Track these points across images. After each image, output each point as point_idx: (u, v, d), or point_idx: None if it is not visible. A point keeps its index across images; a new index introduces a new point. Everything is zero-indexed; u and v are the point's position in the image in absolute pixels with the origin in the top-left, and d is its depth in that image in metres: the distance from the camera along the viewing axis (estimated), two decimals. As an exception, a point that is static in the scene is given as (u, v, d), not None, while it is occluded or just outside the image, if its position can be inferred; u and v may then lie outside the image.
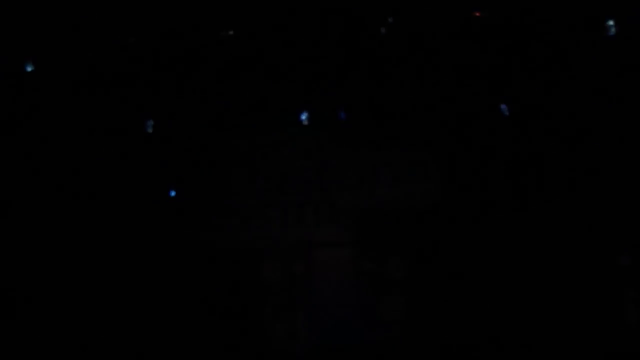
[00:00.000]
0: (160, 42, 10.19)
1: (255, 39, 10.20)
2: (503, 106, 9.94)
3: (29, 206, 10.14)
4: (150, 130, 10.27)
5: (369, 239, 10.22)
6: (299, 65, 10.13)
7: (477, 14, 9.82)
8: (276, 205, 10.30)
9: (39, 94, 10.11)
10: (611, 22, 9.40)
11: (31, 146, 10.22)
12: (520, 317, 9.75)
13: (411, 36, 10.10)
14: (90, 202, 10.26)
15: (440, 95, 10.03)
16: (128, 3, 9.93)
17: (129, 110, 10.25)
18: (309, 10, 9.91)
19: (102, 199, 10.28)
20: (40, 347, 9.85)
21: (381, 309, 10.13)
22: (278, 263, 10.26)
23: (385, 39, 10.13)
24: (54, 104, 10.22)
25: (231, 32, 10.24)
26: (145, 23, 10.10)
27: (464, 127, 10.02)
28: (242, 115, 10.30)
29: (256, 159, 10.41)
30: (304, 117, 10.18)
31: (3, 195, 10.16)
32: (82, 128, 10.26)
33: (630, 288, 9.73)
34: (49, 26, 10.00)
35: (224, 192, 10.37)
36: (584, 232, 9.76)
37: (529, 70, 9.85)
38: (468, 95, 10.00)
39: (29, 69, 9.93)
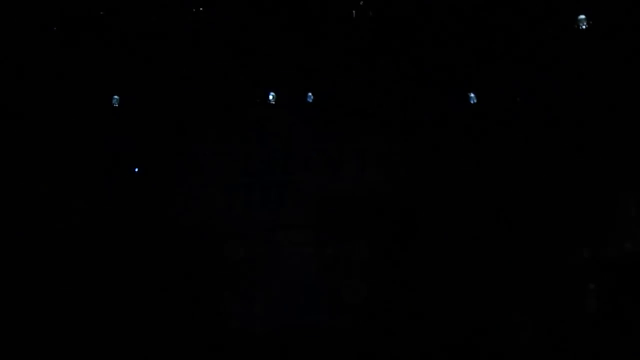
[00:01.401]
0: (131, 16, 10.04)
1: (227, 16, 10.05)
2: (471, 94, 9.87)
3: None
4: (116, 105, 10.17)
5: (332, 222, 10.20)
6: (268, 45, 10.00)
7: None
8: (240, 185, 10.25)
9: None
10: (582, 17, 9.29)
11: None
12: (481, 304, 9.80)
13: (383, 20, 9.97)
14: (55, 176, 10.20)
15: (410, 82, 9.95)
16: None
17: (96, 85, 10.13)
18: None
19: (67, 173, 10.22)
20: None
21: (343, 292, 10.14)
22: (240, 244, 10.23)
23: (357, 22, 10.00)
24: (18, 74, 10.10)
25: (201, 9, 10.09)
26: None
27: (431, 115, 9.97)
28: (209, 94, 10.19)
29: (221, 139, 10.34)
30: (271, 97, 10.09)
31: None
32: (48, 101, 10.15)
33: (590, 281, 9.76)
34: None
35: (188, 171, 10.31)
36: (547, 221, 9.79)
37: (498, 59, 9.74)
38: (437, 83, 9.91)
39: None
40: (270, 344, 10.03)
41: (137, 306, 10.04)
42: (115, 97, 10.09)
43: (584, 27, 9.15)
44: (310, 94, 10.09)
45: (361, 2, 9.85)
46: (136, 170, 10.32)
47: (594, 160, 9.75)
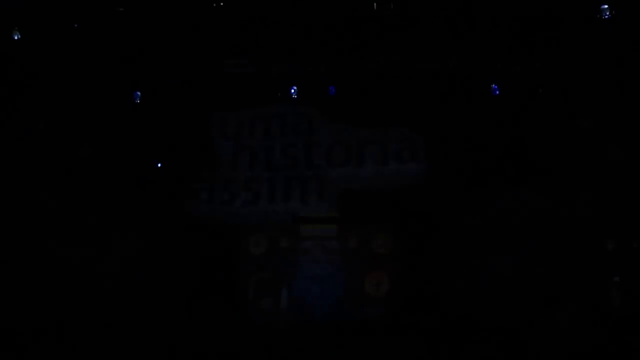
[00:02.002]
0: (150, 10, 10.04)
1: (247, 10, 10.05)
2: (494, 86, 9.84)
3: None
4: (138, 101, 10.19)
5: (355, 216, 10.19)
6: (290, 39, 9.99)
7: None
8: (263, 179, 10.24)
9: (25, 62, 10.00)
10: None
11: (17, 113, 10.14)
12: (506, 295, 9.77)
13: (406, 12, 9.95)
14: (77, 171, 10.20)
15: (431, 74, 9.92)
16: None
17: (117, 81, 10.14)
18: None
19: (89, 168, 10.22)
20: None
21: (366, 286, 10.14)
22: (264, 238, 10.24)
23: (379, 15, 9.98)
24: (39, 71, 10.11)
25: (222, 4, 10.09)
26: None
27: (453, 108, 9.93)
28: (231, 89, 10.18)
29: (244, 133, 10.33)
30: (293, 91, 10.08)
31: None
32: (70, 96, 10.16)
33: (615, 273, 9.73)
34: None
35: (212, 166, 10.30)
36: (571, 214, 9.75)
37: (523, 51, 9.71)
38: (458, 75, 9.88)
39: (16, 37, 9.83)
40: (294, 339, 10.02)
41: (159, 302, 10.00)
42: (137, 92, 10.12)
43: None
44: (332, 87, 10.09)
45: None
46: (159, 165, 10.30)
47: (619, 151, 9.71)
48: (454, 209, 9.99)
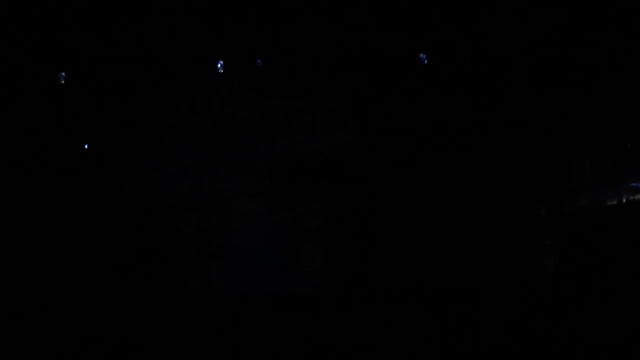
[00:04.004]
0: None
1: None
2: (422, 55, 9.78)
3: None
4: (62, 82, 9.99)
5: (285, 190, 10.07)
6: (215, 12, 9.84)
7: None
8: (192, 155, 10.08)
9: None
10: None
11: None
12: (439, 265, 9.76)
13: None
14: (6, 154, 9.99)
15: (359, 44, 9.83)
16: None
17: (42, 60, 9.93)
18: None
19: (17, 150, 10.01)
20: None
21: (299, 260, 10.02)
22: (193, 214, 10.07)
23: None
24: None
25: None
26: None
27: (382, 79, 9.87)
28: (156, 64, 10.01)
29: (169, 109, 10.16)
30: (219, 65, 9.94)
31: None
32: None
33: (547, 238, 9.73)
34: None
35: (138, 143, 10.12)
36: (502, 183, 9.74)
37: (450, 19, 9.68)
38: (386, 45, 9.81)
39: None
40: (228, 316, 9.88)
41: (89, 282, 9.83)
42: (62, 73, 9.92)
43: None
44: (259, 60, 9.96)
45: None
46: (86, 146, 10.11)
47: (547, 119, 9.72)
48: (387, 182, 9.92)
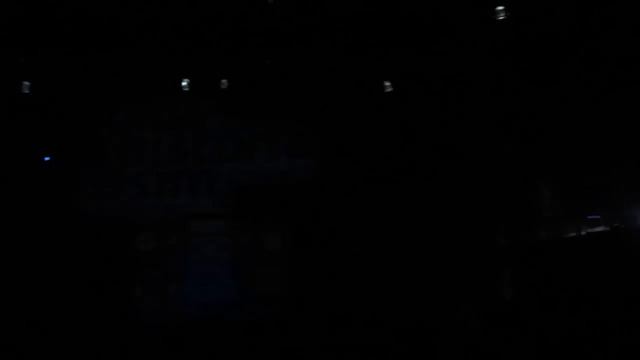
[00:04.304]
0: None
1: (140, 2, 9.87)
2: (387, 83, 9.83)
3: None
4: (26, 91, 9.88)
5: (246, 211, 10.00)
6: (181, 31, 9.82)
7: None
8: (151, 173, 10.00)
9: None
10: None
11: None
12: (400, 288, 9.68)
13: (299, 4, 9.88)
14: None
15: (324, 68, 9.85)
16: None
17: (4, 69, 9.83)
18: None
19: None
20: None
21: (257, 282, 9.93)
22: (151, 234, 9.96)
23: (272, 8, 9.89)
24: None
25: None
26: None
27: (346, 102, 9.88)
28: (120, 80, 9.94)
29: (133, 126, 10.09)
30: (184, 83, 9.91)
31: None
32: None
33: (506, 267, 9.73)
34: None
35: (97, 159, 10.02)
36: (461, 212, 9.74)
37: (411, 45, 9.72)
38: (351, 69, 9.84)
39: None
40: (184, 338, 9.73)
41: (42, 302, 9.65)
42: (26, 82, 9.81)
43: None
44: (223, 80, 9.94)
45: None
46: (46, 159, 9.98)
47: (508, 149, 9.78)
48: (345, 205, 9.89)
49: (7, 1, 9.51)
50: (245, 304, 9.89)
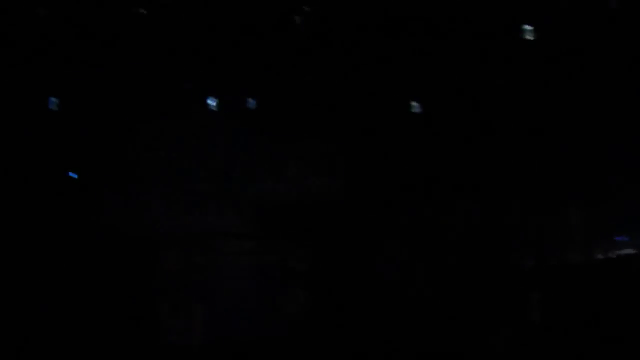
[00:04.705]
0: (71, 15, 9.82)
1: (166, 18, 9.91)
2: (415, 103, 9.83)
3: None
4: (54, 108, 9.89)
5: (272, 231, 9.97)
6: (209, 50, 9.85)
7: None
8: (178, 192, 9.97)
9: None
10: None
11: None
12: (425, 313, 9.64)
13: (327, 26, 9.92)
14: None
15: (351, 88, 9.86)
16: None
17: (33, 85, 9.84)
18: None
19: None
20: None
21: (283, 302, 9.87)
22: (178, 252, 9.91)
23: (301, 28, 9.93)
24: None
25: (143, 11, 9.94)
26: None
27: (373, 123, 9.88)
28: (149, 99, 9.95)
29: (160, 144, 10.07)
30: (212, 103, 9.91)
31: None
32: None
33: (534, 290, 9.68)
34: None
35: (125, 177, 10.00)
36: (489, 232, 9.72)
37: (442, 69, 9.74)
38: (379, 90, 9.85)
39: None
40: (209, 358, 9.68)
41: (67, 320, 9.59)
42: (52, 99, 9.82)
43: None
44: (251, 99, 9.94)
45: (306, 8, 9.81)
46: (71, 174, 9.96)
47: (538, 169, 9.75)
48: (373, 226, 9.86)
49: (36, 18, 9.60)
50: (270, 324, 9.82)
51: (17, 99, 9.74)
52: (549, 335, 9.38)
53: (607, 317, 9.21)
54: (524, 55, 9.63)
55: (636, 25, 9.41)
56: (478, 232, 9.69)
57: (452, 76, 9.80)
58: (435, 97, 9.85)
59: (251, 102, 9.92)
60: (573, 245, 9.73)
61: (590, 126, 9.52)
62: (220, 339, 9.72)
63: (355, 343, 9.62)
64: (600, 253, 9.67)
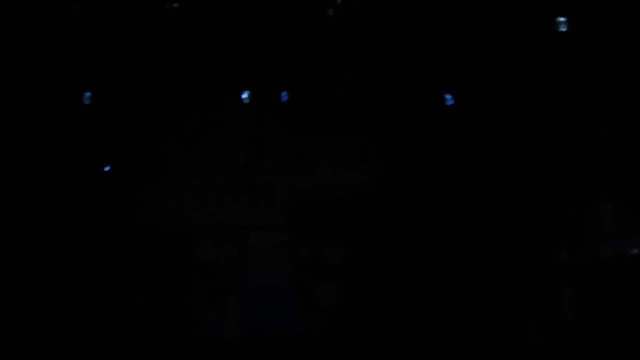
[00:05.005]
0: (102, 12, 9.83)
1: (200, 14, 9.87)
2: (447, 96, 9.76)
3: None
4: (87, 102, 9.94)
5: (305, 224, 10.01)
6: (242, 43, 9.82)
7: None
8: (212, 186, 10.03)
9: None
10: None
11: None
12: (458, 307, 9.66)
13: (359, 19, 9.84)
14: (23, 175, 9.89)
15: (384, 81, 9.81)
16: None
17: (67, 81, 9.89)
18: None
19: (34, 171, 9.92)
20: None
21: (316, 295, 9.94)
22: (212, 245, 10.00)
23: (333, 21, 9.86)
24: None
25: (176, 5, 9.91)
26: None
27: (406, 115, 9.84)
28: (181, 93, 9.98)
29: (194, 138, 10.12)
30: (245, 96, 9.91)
31: None
32: (17, 97, 9.89)
33: (567, 285, 9.66)
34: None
35: (160, 171, 10.07)
36: (523, 226, 9.68)
37: (476, 61, 9.64)
38: (412, 82, 9.79)
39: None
40: (242, 350, 9.79)
41: (102, 312, 9.72)
42: (87, 93, 9.87)
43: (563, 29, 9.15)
44: (284, 92, 9.93)
45: (338, 1, 9.73)
46: (106, 169, 10.05)
47: (571, 165, 9.67)
48: (406, 219, 9.86)
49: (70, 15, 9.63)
50: (303, 317, 9.90)
51: (52, 95, 9.77)
52: (582, 330, 9.37)
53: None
54: (556, 52, 9.49)
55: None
56: (512, 228, 9.64)
57: (484, 72, 9.70)
58: (468, 93, 9.76)
59: (284, 96, 9.90)
60: (606, 241, 9.67)
61: (625, 122, 9.40)
62: (253, 332, 9.81)
63: (387, 336, 9.67)
64: (633, 248, 9.59)
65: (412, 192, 9.86)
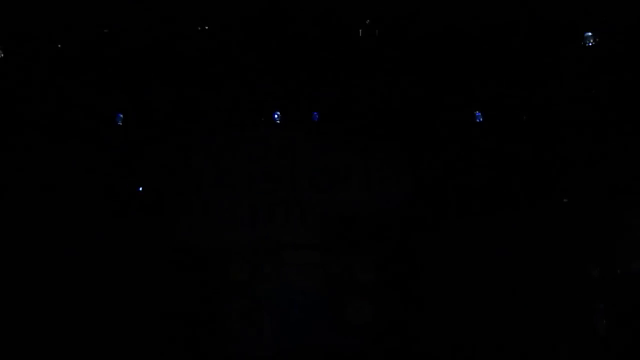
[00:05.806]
0: (134, 33, 9.99)
1: (231, 34, 10.03)
2: (477, 113, 9.87)
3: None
4: (120, 123, 10.09)
5: (337, 242, 10.08)
6: (273, 64, 9.97)
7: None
8: (245, 204, 10.13)
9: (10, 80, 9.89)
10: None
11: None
12: (489, 324, 9.68)
13: (388, 38, 9.98)
14: (55, 195, 10.01)
15: (416, 99, 9.92)
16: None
17: (100, 103, 10.04)
18: (284, 9, 9.77)
19: (69, 192, 10.04)
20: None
21: (348, 312, 10.00)
22: (245, 263, 10.08)
23: (362, 40, 10.01)
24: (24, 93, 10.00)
25: (207, 27, 10.07)
26: (120, 14, 9.91)
27: (438, 132, 9.93)
28: (214, 113, 10.11)
29: (227, 157, 10.23)
30: (276, 116, 10.03)
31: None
32: (50, 119, 10.03)
33: (599, 299, 9.68)
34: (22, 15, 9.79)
35: (193, 190, 10.18)
36: (555, 242, 9.72)
37: (504, 76, 9.76)
38: (443, 100, 9.89)
39: None
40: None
41: (137, 329, 9.80)
42: (120, 115, 10.02)
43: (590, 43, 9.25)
44: (315, 112, 10.05)
45: (367, 21, 9.87)
46: (140, 189, 10.16)
47: (602, 177, 9.72)
48: (440, 237, 9.91)
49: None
50: (336, 335, 9.95)
51: (85, 116, 9.91)
52: (615, 347, 9.39)
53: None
54: (582, 63, 9.59)
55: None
56: (543, 242, 9.68)
57: (514, 86, 9.81)
58: (498, 107, 9.86)
59: (315, 115, 10.02)
60: (639, 254, 9.70)
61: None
62: (288, 350, 9.86)
63: (420, 353, 9.71)
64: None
65: (444, 209, 9.91)
